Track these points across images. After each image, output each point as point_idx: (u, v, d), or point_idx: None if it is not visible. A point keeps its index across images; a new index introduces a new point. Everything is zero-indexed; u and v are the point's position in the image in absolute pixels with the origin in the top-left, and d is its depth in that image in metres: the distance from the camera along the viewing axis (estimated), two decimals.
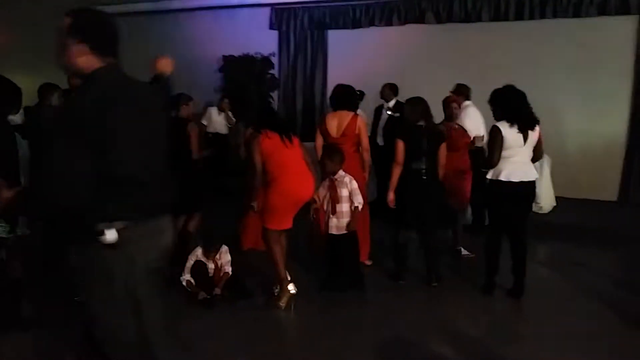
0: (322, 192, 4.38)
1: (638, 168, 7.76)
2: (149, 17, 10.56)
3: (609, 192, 7.81)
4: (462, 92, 5.99)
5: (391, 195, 4.47)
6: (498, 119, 4.19)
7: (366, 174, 4.99)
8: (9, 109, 3.80)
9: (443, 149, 4.51)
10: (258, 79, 9.56)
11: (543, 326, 3.90)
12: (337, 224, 4.35)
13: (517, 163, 4.11)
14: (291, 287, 4.09)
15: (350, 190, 4.32)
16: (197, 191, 5.00)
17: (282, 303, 4.06)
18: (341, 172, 4.35)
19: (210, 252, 4.25)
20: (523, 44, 8.06)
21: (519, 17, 8.08)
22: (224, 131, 8.85)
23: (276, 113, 4.69)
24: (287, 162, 4.08)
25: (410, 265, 4.78)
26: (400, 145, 4.42)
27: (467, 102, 5.98)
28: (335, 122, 4.87)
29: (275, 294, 4.16)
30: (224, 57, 9.85)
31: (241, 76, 9.49)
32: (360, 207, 4.36)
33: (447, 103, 5.29)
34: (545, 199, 6.78)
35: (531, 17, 8.03)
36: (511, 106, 4.14)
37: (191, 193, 4.94)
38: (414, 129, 4.46)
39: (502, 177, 4.09)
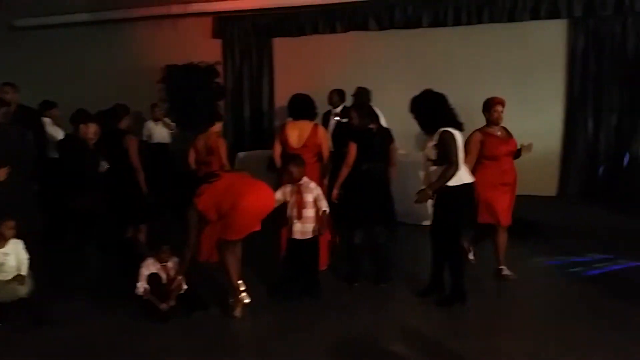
0: (285, 197, 4.39)
1: (574, 163, 8.16)
2: (89, 27, 10.32)
3: (549, 187, 8.16)
4: (361, 95, 6.42)
5: (335, 191, 4.60)
6: (424, 127, 4.17)
7: (325, 180, 5.04)
8: None
9: (392, 150, 4.68)
10: (203, 88, 9.48)
11: (491, 320, 4.06)
12: (302, 229, 4.38)
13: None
14: (244, 296, 4.06)
15: (315, 196, 4.38)
16: (142, 203, 4.93)
17: (237, 313, 4.05)
18: (305, 178, 4.40)
19: (161, 255, 4.14)
20: (462, 48, 8.37)
21: (457, 22, 8.37)
22: (167, 140, 8.71)
23: (187, 173, 4.62)
24: (230, 188, 3.97)
25: (364, 266, 4.85)
26: (353, 148, 4.53)
27: None
28: (296, 133, 4.88)
29: (230, 303, 4.14)
30: (167, 66, 9.71)
31: (185, 85, 9.38)
32: (327, 211, 4.41)
33: (490, 104, 4.71)
34: None
35: (469, 23, 8.33)
36: (434, 111, 4.10)
37: (135, 205, 4.87)
38: (364, 132, 4.60)
39: (467, 180, 4.12)
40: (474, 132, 4.67)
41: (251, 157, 7.63)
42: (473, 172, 4.56)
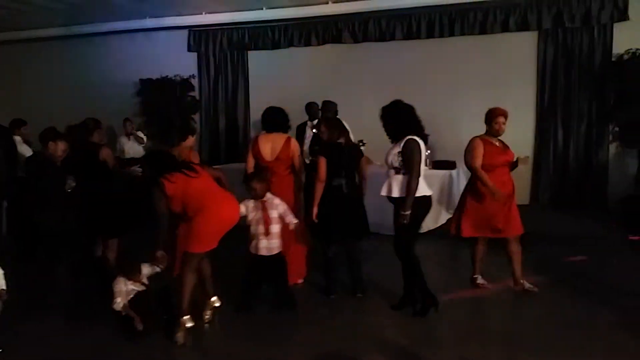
0: (251, 213, 4.38)
1: (545, 172, 8.31)
2: (62, 41, 10.25)
3: (521, 196, 8.25)
4: (329, 109, 6.69)
5: (315, 210, 4.55)
6: (392, 135, 4.24)
7: (301, 194, 5.04)
8: None
9: (363, 163, 4.71)
10: (178, 102, 9.46)
11: (467, 328, 4.10)
12: (268, 245, 4.37)
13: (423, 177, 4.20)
14: (187, 319, 3.90)
15: (281, 212, 4.38)
16: (114, 216, 4.88)
17: (179, 337, 3.85)
18: (269, 195, 4.39)
19: (133, 274, 4.06)
20: (435, 60, 8.51)
21: (430, 35, 8.50)
22: (140, 154, 8.60)
23: (168, 153, 4.39)
24: (203, 192, 3.94)
25: (341, 278, 4.87)
26: (323, 162, 4.52)
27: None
28: (269, 145, 4.85)
29: (205, 318, 4.13)
30: (142, 80, 9.67)
31: (160, 99, 9.35)
32: (295, 224, 4.41)
33: (493, 116, 4.62)
34: None
35: (441, 35, 8.47)
36: (402, 120, 4.18)
37: (108, 219, 4.80)
38: (334, 146, 4.59)
39: (427, 192, 4.16)
40: (473, 138, 4.69)
41: (226, 171, 7.58)
42: (471, 182, 4.65)
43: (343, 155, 4.57)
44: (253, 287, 4.50)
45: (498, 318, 4.35)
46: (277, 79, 9.14)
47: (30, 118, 6.89)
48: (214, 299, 4.28)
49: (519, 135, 8.23)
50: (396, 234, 4.21)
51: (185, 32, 9.74)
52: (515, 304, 4.62)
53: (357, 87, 8.54)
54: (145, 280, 4.11)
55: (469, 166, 4.63)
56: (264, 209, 4.34)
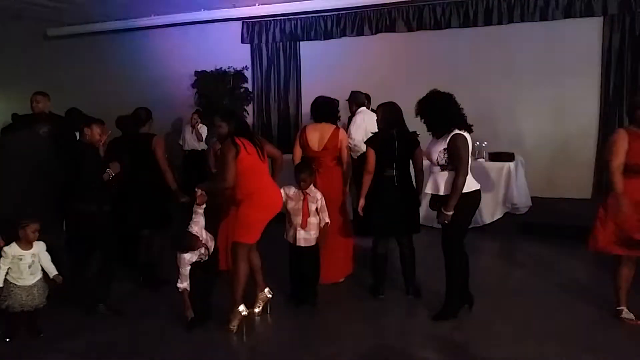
0: (291, 201, 4.34)
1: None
2: (119, 35, 10.51)
3: (583, 190, 7.93)
4: (355, 99, 6.55)
5: (361, 202, 4.43)
6: (434, 130, 3.99)
7: (347, 187, 4.97)
8: None
9: (418, 154, 4.47)
10: (231, 94, 9.54)
11: (524, 326, 3.96)
12: (305, 236, 4.34)
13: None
14: (242, 309, 3.92)
15: (319, 207, 4.34)
16: (161, 206, 4.89)
17: (233, 326, 3.91)
18: (312, 187, 4.37)
19: (192, 243, 3.91)
20: (492, 48, 8.21)
21: (488, 22, 8.21)
22: (197, 147, 8.72)
23: (249, 126, 4.53)
24: (263, 176, 4.05)
25: (393, 277, 4.76)
26: (371, 154, 4.39)
27: (361, 109, 6.43)
28: (317, 135, 4.79)
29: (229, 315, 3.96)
30: (197, 72, 9.81)
31: (214, 91, 9.46)
32: (328, 223, 4.39)
33: (637, 105, 3.90)
34: (521, 200, 6.90)
35: (499, 22, 8.16)
36: (443, 112, 3.90)
37: (154, 209, 4.82)
38: (385, 136, 4.41)
39: (475, 186, 3.95)
40: (618, 130, 3.93)
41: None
42: (610, 184, 3.83)
43: (396, 145, 4.36)
44: (299, 279, 4.48)
45: (551, 313, 4.18)
46: (329, 70, 9.06)
47: (88, 111, 7.08)
48: (265, 290, 4.27)
49: (582, 126, 7.91)
50: (443, 231, 4.02)
51: (239, 23, 9.78)
52: (566, 298, 4.41)
53: (411, 77, 8.36)
54: (208, 243, 4.03)
55: (606, 164, 3.87)
56: (305, 200, 4.30)
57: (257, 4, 9.16)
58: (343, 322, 4.17)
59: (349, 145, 5.36)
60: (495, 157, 7.00)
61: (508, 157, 6.97)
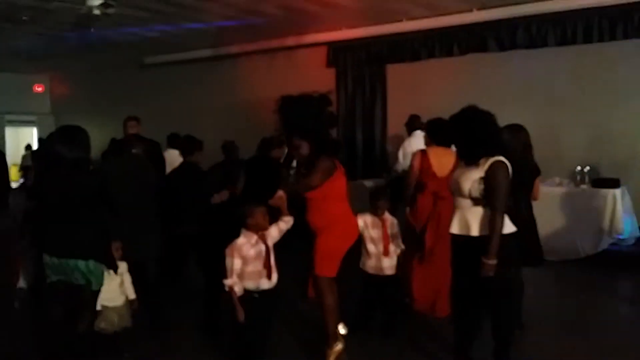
0: (371, 230, 4.20)
1: None
2: (208, 63, 10.87)
3: None
4: (411, 123, 6.96)
5: None
6: (466, 154, 3.40)
7: None
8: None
9: (536, 184, 4.20)
10: (316, 117, 9.53)
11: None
12: (390, 264, 4.19)
13: None
14: (340, 346, 3.68)
15: (394, 233, 4.22)
16: None
17: None
18: (387, 213, 4.25)
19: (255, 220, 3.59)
20: (593, 66, 7.63)
21: (588, 40, 7.66)
22: None
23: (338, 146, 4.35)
24: (346, 202, 3.86)
25: None
26: None
27: (416, 132, 6.71)
28: (442, 160, 4.48)
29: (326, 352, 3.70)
30: (282, 97, 9.90)
31: (299, 115, 9.50)
32: (404, 249, 4.27)
33: None
34: (628, 230, 6.34)
35: (600, 40, 7.59)
36: (480, 134, 3.32)
37: None
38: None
39: (512, 228, 3.35)
40: None
41: (359, 186, 7.40)
42: None
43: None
44: (370, 309, 4.29)
45: None
46: (416, 92, 8.83)
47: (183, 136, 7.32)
48: (340, 326, 3.87)
49: None
50: (487, 286, 3.27)
51: (325, 47, 9.82)
52: None
53: (503, 98, 7.96)
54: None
55: None
56: (384, 227, 4.15)
57: (343, 28, 9.14)
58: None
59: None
60: (598, 183, 6.50)
61: (613, 183, 6.45)
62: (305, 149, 3.81)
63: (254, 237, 3.53)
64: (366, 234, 4.17)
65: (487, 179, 3.22)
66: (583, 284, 5.57)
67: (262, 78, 10.34)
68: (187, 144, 5.00)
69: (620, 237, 6.29)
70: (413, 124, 7.01)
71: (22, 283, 4.58)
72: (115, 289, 3.83)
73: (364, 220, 4.17)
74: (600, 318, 4.58)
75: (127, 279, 3.93)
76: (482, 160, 3.27)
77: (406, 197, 4.71)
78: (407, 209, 4.72)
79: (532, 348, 3.96)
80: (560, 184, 6.67)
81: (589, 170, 6.56)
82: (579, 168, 6.58)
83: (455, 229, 3.38)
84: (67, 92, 13.47)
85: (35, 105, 13.14)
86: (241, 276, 3.46)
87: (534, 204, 4.25)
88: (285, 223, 3.69)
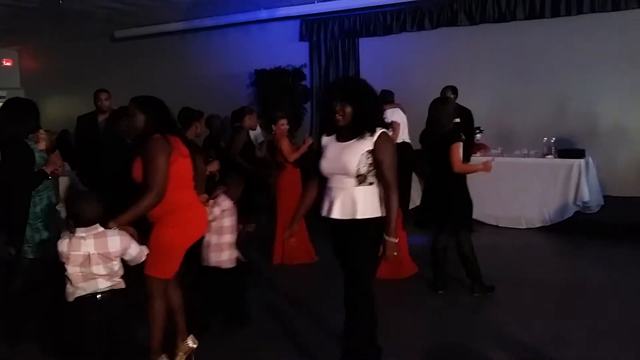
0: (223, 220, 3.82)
1: None
2: (181, 36, 10.74)
3: None
4: (383, 98, 6.58)
5: None
6: (355, 126, 2.91)
7: None
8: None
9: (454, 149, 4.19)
10: (290, 91, 9.58)
11: (595, 327, 3.78)
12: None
13: None
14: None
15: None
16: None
17: None
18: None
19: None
20: (561, 41, 7.81)
21: (556, 14, 7.82)
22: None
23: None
24: (190, 182, 3.18)
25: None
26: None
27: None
28: None
29: None
30: (256, 71, 9.90)
31: (273, 89, 9.53)
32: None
33: None
34: (593, 198, 6.57)
35: (568, 14, 7.76)
36: (369, 104, 3.03)
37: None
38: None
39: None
40: None
41: None
42: None
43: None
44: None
45: (625, 314, 3.97)
46: (388, 66, 8.91)
47: None
48: (188, 339, 3.34)
49: None
50: (354, 269, 2.97)
51: (298, 21, 9.81)
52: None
53: (474, 72, 8.11)
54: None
55: None
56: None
57: (315, 1, 9.13)
58: (408, 318, 4.10)
59: None
60: (564, 153, 6.70)
61: (578, 153, 6.67)
62: (140, 120, 3.14)
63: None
64: (224, 223, 3.73)
65: (377, 152, 2.87)
66: (551, 250, 5.79)
67: (236, 52, 10.29)
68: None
69: (587, 204, 6.50)
70: (385, 99, 7.02)
71: None
72: None
73: (219, 206, 3.70)
74: (564, 281, 4.79)
75: None
76: (367, 134, 2.91)
77: None
78: None
79: (509, 306, 4.19)
80: (527, 155, 6.87)
81: (555, 141, 6.76)
82: (545, 139, 6.76)
83: (336, 213, 2.92)
84: (36, 66, 13.20)
85: (4, 80, 12.84)
86: None
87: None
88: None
